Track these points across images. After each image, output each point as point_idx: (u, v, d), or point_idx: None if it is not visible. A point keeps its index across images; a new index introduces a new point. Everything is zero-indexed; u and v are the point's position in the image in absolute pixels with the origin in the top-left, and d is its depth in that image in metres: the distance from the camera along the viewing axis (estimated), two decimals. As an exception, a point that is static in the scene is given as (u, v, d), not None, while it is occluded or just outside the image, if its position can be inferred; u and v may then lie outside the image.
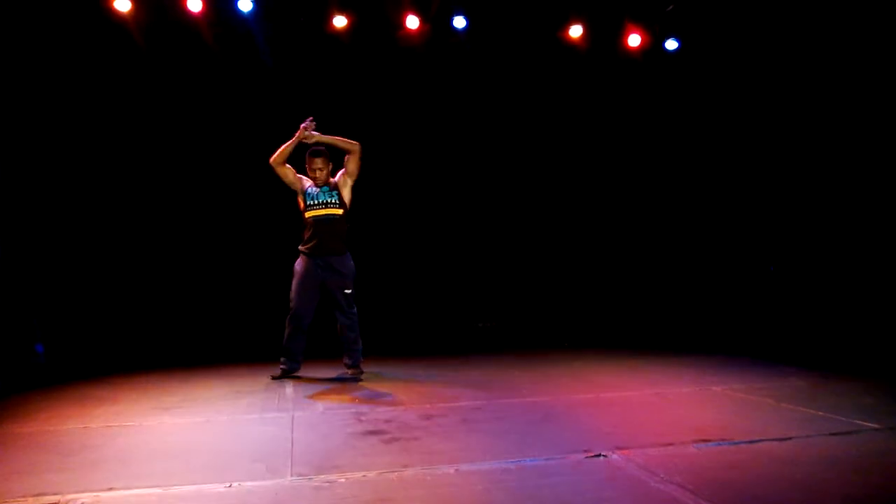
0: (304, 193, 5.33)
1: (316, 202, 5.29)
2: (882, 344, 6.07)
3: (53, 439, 3.64)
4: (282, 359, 5.39)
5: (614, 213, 8.75)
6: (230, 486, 2.85)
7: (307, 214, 5.32)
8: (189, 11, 6.78)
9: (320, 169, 5.28)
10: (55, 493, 2.79)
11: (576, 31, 7.75)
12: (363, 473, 2.96)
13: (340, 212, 5.32)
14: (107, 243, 7.24)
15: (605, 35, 7.92)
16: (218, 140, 7.46)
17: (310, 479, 2.91)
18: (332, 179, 5.37)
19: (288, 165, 5.31)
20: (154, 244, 7.39)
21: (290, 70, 7.58)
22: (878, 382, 4.80)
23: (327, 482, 2.87)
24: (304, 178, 5.38)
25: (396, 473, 2.96)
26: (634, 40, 7.90)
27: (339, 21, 7.22)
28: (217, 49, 7.17)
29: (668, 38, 7.95)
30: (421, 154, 8.16)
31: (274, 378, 5.31)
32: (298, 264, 5.35)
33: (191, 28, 6.97)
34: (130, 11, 6.64)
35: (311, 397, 4.72)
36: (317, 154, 5.30)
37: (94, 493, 2.79)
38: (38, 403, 4.59)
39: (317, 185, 5.31)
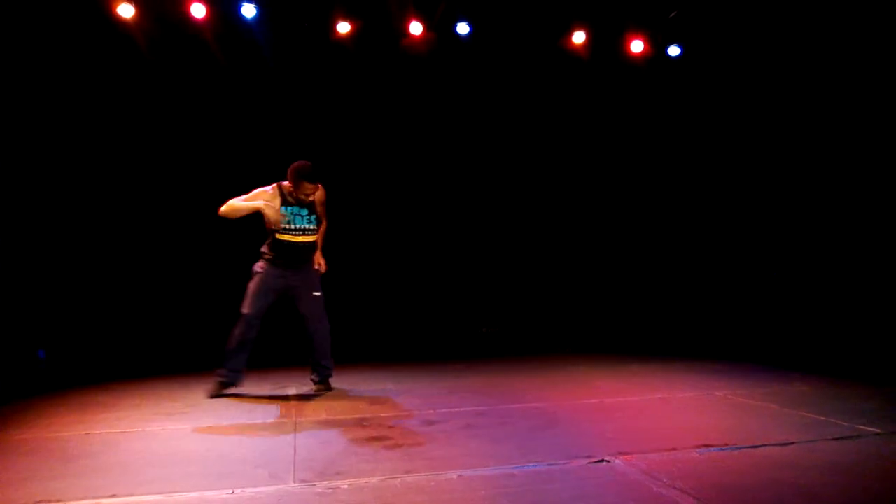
0: (280, 213, 4.78)
1: (293, 227, 4.83)
2: (884, 349, 6.06)
3: (55, 445, 3.64)
4: (223, 368, 4.91)
5: (618, 218, 8.75)
6: (233, 492, 2.85)
7: (279, 236, 4.85)
8: (192, 17, 6.80)
9: (311, 195, 4.78)
10: (57, 500, 2.79)
11: (579, 38, 7.76)
12: (366, 479, 2.96)
13: (315, 237, 4.99)
14: (109, 249, 7.25)
15: (607, 41, 7.93)
16: (221, 146, 7.48)
17: (313, 485, 2.91)
18: (312, 199, 4.86)
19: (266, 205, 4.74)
20: (156, 250, 7.40)
21: (294, 76, 7.61)
22: (880, 387, 4.79)
23: (330, 488, 2.87)
24: (270, 194, 4.80)
25: (399, 479, 2.96)
26: (637, 47, 7.91)
27: (343, 27, 7.24)
28: (220, 55, 7.19)
29: (670, 44, 7.96)
30: (425, 159, 8.17)
31: (212, 396, 4.87)
32: (260, 267, 4.95)
33: (194, 34, 6.99)
34: (134, 17, 6.66)
35: (313, 403, 4.72)
36: (315, 179, 4.74)
37: (96, 500, 2.79)
38: (40, 409, 4.60)
39: (296, 204, 4.81)
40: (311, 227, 4.91)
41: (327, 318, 5.09)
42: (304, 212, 4.86)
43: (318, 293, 5.02)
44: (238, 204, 4.75)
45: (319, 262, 5.09)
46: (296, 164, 4.74)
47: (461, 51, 7.69)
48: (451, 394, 4.93)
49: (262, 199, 4.76)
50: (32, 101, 6.72)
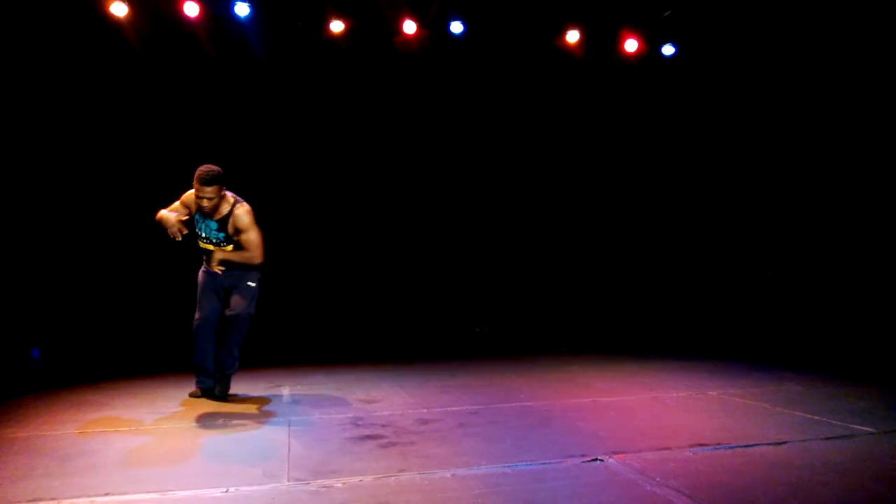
0: (194, 219, 4.59)
1: (202, 236, 4.65)
2: (877, 348, 6.09)
3: (49, 444, 3.63)
4: (196, 378, 4.81)
5: (612, 218, 8.77)
6: (227, 490, 2.85)
7: (199, 242, 4.72)
8: (185, 16, 6.77)
9: (210, 199, 4.42)
10: (51, 499, 2.78)
11: (573, 37, 7.77)
12: (360, 478, 2.97)
13: (230, 248, 4.64)
14: (103, 249, 7.21)
15: (601, 40, 7.94)
16: (216, 146, 7.45)
17: (307, 483, 2.92)
18: (223, 210, 4.55)
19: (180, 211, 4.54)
20: (149, 250, 7.36)
21: (287, 75, 7.59)
22: (872, 387, 4.81)
23: (324, 487, 2.87)
24: (189, 201, 4.57)
25: (393, 478, 2.97)
26: (631, 46, 7.92)
27: (337, 26, 7.23)
28: (214, 54, 7.17)
29: (664, 43, 7.97)
30: (418, 159, 8.17)
31: (193, 396, 4.83)
32: (200, 271, 4.81)
33: (187, 33, 6.96)
34: (127, 16, 6.63)
35: (307, 402, 4.71)
36: (209, 181, 4.38)
37: (91, 498, 2.78)
38: (34, 408, 4.58)
39: (202, 214, 4.54)
40: (218, 240, 4.62)
41: (250, 309, 4.69)
42: (213, 225, 4.58)
43: (252, 283, 4.72)
44: (164, 215, 4.47)
45: (215, 265, 4.64)
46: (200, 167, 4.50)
47: (455, 49, 7.68)
48: (445, 393, 4.93)
49: (186, 202, 4.60)
50: (28, 101, 6.69)
